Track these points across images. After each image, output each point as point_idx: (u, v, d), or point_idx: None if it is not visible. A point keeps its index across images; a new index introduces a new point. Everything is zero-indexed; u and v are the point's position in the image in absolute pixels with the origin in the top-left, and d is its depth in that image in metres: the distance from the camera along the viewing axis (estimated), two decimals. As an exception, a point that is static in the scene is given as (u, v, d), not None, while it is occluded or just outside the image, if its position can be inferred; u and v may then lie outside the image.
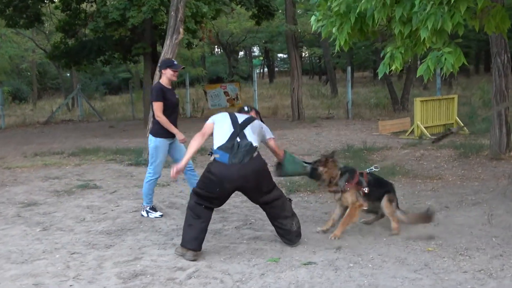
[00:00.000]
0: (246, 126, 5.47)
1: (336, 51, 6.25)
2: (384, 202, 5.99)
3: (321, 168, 5.87)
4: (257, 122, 5.61)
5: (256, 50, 60.20)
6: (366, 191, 5.90)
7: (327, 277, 4.69)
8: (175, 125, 6.76)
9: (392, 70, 5.57)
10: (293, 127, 17.40)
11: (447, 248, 5.41)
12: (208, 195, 5.31)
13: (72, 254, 5.48)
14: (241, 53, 54.88)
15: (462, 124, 14.48)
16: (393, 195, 6.09)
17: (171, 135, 6.72)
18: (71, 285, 4.67)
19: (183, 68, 6.43)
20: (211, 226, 6.31)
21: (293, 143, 13.73)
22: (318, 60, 49.27)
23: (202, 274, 4.85)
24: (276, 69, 60.44)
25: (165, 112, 6.66)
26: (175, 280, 4.74)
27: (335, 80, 31.46)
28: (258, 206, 5.74)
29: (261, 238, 5.85)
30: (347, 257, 5.18)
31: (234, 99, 22.30)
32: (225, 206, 7.14)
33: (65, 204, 7.49)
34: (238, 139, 5.31)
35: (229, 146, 5.25)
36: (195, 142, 5.46)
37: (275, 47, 46.38)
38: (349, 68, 20.67)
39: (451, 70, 5.15)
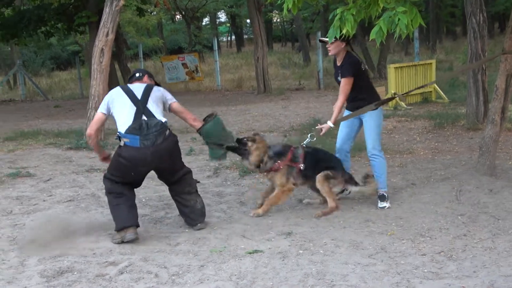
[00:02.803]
0: (147, 99, 5.50)
1: (285, 14, 6.20)
2: (319, 179, 6.05)
3: (249, 144, 5.95)
4: (156, 89, 5.66)
5: (222, 16, 59.80)
6: (301, 168, 6.01)
7: (273, 266, 4.69)
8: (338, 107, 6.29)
9: (343, 34, 5.53)
10: (257, 100, 17.36)
11: (408, 229, 5.47)
12: (123, 180, 5.51)
13: (-7, 251, 5.39)
14: (206, 20, 54.45)
15: (442, 93, 14.58)
16: (336, 172, 6.14)
17: (353, 109, 6.38)
18: (-13, 287, 4.60)
19: (326, 39, 6.11)
20: (152, 215, 6.31)
21: (256, 118, 13.71)
22: (290, 26, 49.16)
23: (136, 269, 4.81)
24: (245, 36, 60.15)
25: None
26: (105, 276, 4.69)
27: (307, 47, 31.45)
28: (205, 190, 5.87)
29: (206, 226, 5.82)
30: (297, 244, 5.19)
31: (193, 71, 22.12)
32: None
33: (-9, 196, 7.36)
34: (144, 118, 5.37)
35: (137, 127, 5.30)
36: (93, 143, 5.75)
37: (242, 12, 46.08)
38: (319, 33, 20.65)
39: (406, 32, 5.13)
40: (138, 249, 5.26)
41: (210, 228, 5.74)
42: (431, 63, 15.19)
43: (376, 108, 6.18)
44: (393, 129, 10.90)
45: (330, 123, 6.21)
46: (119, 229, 5.42)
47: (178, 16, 49.10)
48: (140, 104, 5.43)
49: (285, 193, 6.09)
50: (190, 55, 23.23)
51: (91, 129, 5.63)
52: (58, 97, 24.56)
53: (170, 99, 5.76)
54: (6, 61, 34.97)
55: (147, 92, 5.54)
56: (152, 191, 7.19)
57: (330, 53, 6.35)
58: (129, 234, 5.37)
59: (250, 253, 5.02)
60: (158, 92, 5.64)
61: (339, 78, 6.28)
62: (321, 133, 6.25)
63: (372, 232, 5.43)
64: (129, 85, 5.72)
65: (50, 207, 6.80)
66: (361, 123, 6.42)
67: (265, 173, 6.16)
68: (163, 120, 5.42)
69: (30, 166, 8.95)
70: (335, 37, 5.87)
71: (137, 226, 5.49)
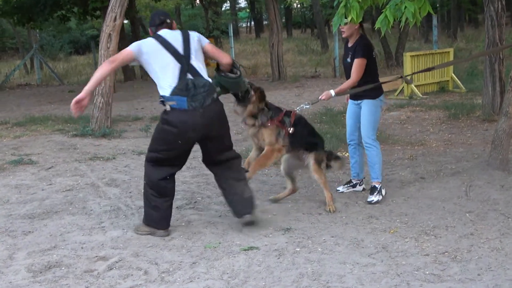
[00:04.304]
0: (190, 54, 4.94)
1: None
2: (312, 166, 5.81)
3: (252, 92, 5.61)
4: (192, 36, 5.06)
5: (242, 2, 59.34)
6: (290, 131, 5.70)
7: (267, 265, 4.48)
8: (348, 84, 6.00)
9: (347, 22, 5.29)
10: (272, 88, 17.08)
11: (412, 226, 5.22)
12: (168, 155, 5.03)
13: (-18, 243, 5.24)
14: (226, 5, 54.06)
15: (459, 82, 14.23)
16: (323, 154, 5.95)
17: (353, 97, 6.19)
18: (-29, 281, 4.45)
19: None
20: (149, 206, 6.11)
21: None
22: (310, 12, 48.63)
23: (126, 265, 4.63)
24: (265, 22, 59.61)
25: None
26: (93, 272, 4.51)
27: (325, 33, 31.04)
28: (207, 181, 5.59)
29: (202, 220, 5.60)
30: (295, 240, 4.97)
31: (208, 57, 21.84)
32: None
33: (-10, 184, 7.23)
34: (190, 76, 4.87)
35: (183, 87, 4.83)
36: (101, 71, 4.98)
37: (261, -3, 45.64)
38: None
39: (413, 21, 4.88)
40: (130, 243, 5.08)
41: (207, 222, 5.53)
42: (448, 52, 14.81)
43: (375, 97, 5.97)
44: (407, 119, 10.61)
45: (332, 92, 6.00)
46: (148, 225, 5.22)
47: (197, 1, 48.76)
48: (184, 61, 4.90)
49: (274, 153, 5.72)
50: (206, 41, 22.94)
51: (114, 57, 5.06)
52: (74, 81, 24.43)
53: (205, 40, 5.17)
54: (25, 45, 34.95)
55: (187, 44, 4.96)
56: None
57: (343, 35, 6.07)
58: (159, 233, 5.19)
59: (245, 250, 4.81)
60: (195, 38, 5.05)
61: (348, 59, 6.04)
62: (321, 97, 6.04)
63: (374, 229, 5.19)
64: (161, 33, 5.04)
65: (48, 196, 6.64)
66: None
67: (252, 127, 5.75)
68: (210, 80, 4.99)
69: (33, 153, 8.82)
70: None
71: (167, 228, 5.26)
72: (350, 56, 6.02)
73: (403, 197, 6.07)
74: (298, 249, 4.77)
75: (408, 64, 13.54)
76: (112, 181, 7.15)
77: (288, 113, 5.82)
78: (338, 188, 6.46)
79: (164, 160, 5.08)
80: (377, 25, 5.05)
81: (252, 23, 57.75)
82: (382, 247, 4.75)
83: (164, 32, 5.06)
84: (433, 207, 5.71)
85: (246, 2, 55.99)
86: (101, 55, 10.29)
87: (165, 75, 4.92)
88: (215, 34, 33.42)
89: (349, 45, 6.08)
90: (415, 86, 13.40)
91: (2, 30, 42.67)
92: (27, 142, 9.76)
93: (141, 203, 6.19)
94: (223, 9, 51.51)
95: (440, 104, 11.92)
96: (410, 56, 13.75)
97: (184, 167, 5.51)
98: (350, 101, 6.26)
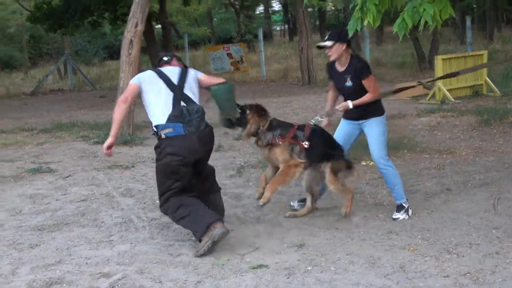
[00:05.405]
0: (184, 84, 5.14)
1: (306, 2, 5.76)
2: (328, 176, 5.51)
3: (247, 111, 5.45)
4: (189, 72, 5.30)
5: (275, 5, 59.03)
6: (306, 146, 5.40)
7: (275, 285, 4.22)
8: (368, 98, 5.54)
9: (363, 27, 5.01)
10: (301, 92, 16.83)
11: (434, 243, 4.90)
12: (178, 184, 5.02)
13: (-12, 256, 5.09)
14: (261, 9, 53.83)
15: (493, 86, 13.72)
16: (340, 163, 5.59)
17: (351, 117, 5.74)
18: (-30, 298, 4.30)
19: (324, 44, 5.49)
20: (161, 219, 5.91)
21: (296, 111, 13.19)
22: (343, 14, 48.13)
23: (129, 282, 4.42)
24: (299, 25, 59.25)
25: None
26: (94, 290, 4.33)
27: (357, 36, 30.56)
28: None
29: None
30: (308, 258, 4.69)
31: (238, 62, 21.75)
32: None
33: (6, 193, 7.10)
34: (183, 103, 5.02)
35: (178, 114, 4.94)
36: (119, 112, 5.07)
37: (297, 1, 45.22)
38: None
39: (434, 24, 4.57)
40: (137, 259, 4.87)
41: (217, 237, 5.29)
42: (482, 54, 14.28)
43: (394, 93, 5.62)
44: (437, 126, 10.21)
45: (350, 104, 5.56)
46: (202, 233, 4.81)
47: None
48: (177, 90, 5.07)
49: (291, 169, 5.35)
50: (235, 45, 22.86)
51: (125, 96, 5.10)
52: (106, 86, 24.54)
53: (199, 73, 5.41)
54: (59, 50, 35.26)
55: (183, 76, 5.19)
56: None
57: (331, 58, 5.59)
58: (217, 229, 4.77)
59: (253, 268, 4.55)
60: (191, 75, 5.28)
61: (347, 83, 5.53)
62: (337, 107, 5.68)
63: (393, 246, 4.88)
64: (161, 68, 5.30)
65: (61, 207, 6.48)
66: (360, 133, 5.81)
67: (263, 148, 5.51)
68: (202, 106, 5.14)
69: (53, 161, 8.72)
70: (334, 40, 5.41)
71: (221, 217, 5.14)
72: (349, 79, 5.53)
73: (426, 210, 5.74)
74: (309, 268, 4.50)
75: (440, 67, 13.08)
76: (127, 191, 6.98)
77: (301, 127, 5.54)
78: (292, 204, 6.16)
79: (177, 192, 5.04)
80: (394, 29, 4.75)
81: (286, 26, 57.39)
82: (400, 267, 4.44)
83: (164, 68, 5.31)
84: (457, 221, 5.37)
85: (279, 5, 55.74)
86: (122, 61, 10.15)
87: (158, 102, 5.03)
88: (248, 38, 33.22)
89: (341, 69, 5.61)
90: (447, 90, 12.96)
91: (38, 36, 43.24)
92: (49, 149, 9.67)
93: (153, 214, 6.08)
94: (257, 12, 51.27)
95: (473, 109, 11.47)
96: (442, 59, 13.30)
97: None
98: (345, 120, 5.79)
